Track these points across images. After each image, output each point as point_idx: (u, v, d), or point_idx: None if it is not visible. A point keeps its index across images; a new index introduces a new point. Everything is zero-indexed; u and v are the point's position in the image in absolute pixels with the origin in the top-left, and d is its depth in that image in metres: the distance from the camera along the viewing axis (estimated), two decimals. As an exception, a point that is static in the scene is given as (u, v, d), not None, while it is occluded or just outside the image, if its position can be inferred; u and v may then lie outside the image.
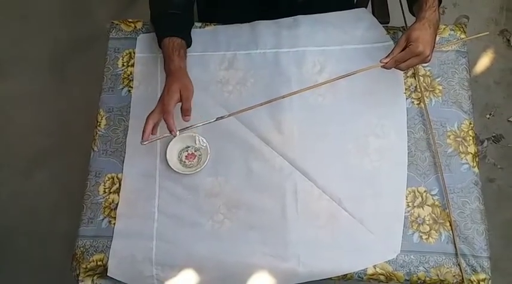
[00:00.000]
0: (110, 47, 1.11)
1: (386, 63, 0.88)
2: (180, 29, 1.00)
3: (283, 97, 0.94)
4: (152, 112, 0.90)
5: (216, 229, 0.96)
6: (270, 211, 0.96)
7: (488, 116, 1.75)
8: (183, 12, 1.01)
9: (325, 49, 1.08)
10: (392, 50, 0.88)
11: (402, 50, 0.87)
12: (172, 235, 0.95)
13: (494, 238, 1.54)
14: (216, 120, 0.92)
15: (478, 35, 1.00)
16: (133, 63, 1.09)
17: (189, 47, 1.02)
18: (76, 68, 1.91)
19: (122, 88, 1.08)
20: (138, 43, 1.11)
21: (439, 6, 0.92)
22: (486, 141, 1.72)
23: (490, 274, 0.92)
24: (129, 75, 1.08)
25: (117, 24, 1.13)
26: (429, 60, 0.89)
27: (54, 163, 1.78)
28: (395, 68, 0.89)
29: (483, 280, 0.92)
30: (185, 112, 0.92)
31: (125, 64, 1.10)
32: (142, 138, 0.89)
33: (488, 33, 1.01)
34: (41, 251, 1.68)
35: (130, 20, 1.13)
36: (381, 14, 1.16)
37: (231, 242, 0.95)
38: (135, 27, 1.13)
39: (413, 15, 0.95)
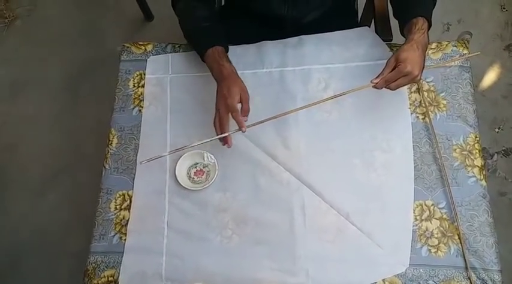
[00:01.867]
0: (121, 69, 1.15)
1: (377, 83, 0.90)
2: (219, 37, 1.04)
3: (291, 112, 0.97)
4: (219, 117, 0.94)
5: (224, 244, 0.97)
6: (278, 226, 0.97)
7: (497, 130, 1.74)
8: (213, 23, 1.06)
9: (330, 67, 1.10)
10: (383, 71, 0.90)
11: (392, 70, 0.89)
12: (182, 251, 0.97)
13: (507, 252, 1.53)
14: (218, 136, 0.94)
15: (471, 55, 1.06)
16: (144, 84, 1.13)
17: (227, 52, 1.05)
18: (88, 89, 1.96)
19: (133, 108, 1.11)
20: (148, 65, 1.15)
21: (428, 30, 0.94)
22: (496, 154, 1.71)
23: (501, 287, 0.91)
24: (139, 96, 1.12)
25: (128, 47, 1.18)
26: (418, 80, 0.91)
27: (66, 183, 1.82)
28: (385, 87, 0.91)
29: (494, 294, 0.91)
30: (245, 113, 0.95)
31: (135, 85, 1.13)
32: (227, 143, 0.96)
33: (479, 53, 1.05)
34: (52, 270, 1.69)
35: (140, 43, 1.18)
36: (384, 32, 1.19)
37: (239, 257, 0.96)
38: (145, 49, 1.17)
39: (404, 36, 0.97)
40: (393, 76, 0.89)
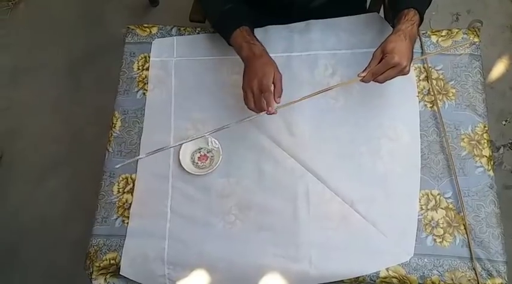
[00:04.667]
0: (126, 51, 1.14)
1: (364, 76, 0.87)
2: (244, 18, 1.01)
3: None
4: (253, 98, 0.90)
5: (227, 229, 0.96)
6: (282, 213, 0.96)
7: (504, 123, 1.72)
8: (236, 3, 1.03)
9: (337, 53, 1.09)
10: (369, 63, 0.87)
11: (379, 62, 0.86)
12: (185, 235, 0.96)
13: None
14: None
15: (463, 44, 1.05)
16: (148, 67, 1.12)
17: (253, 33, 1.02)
18: (89, 76, 1.94)
19: (137, 91, 1.10)
20: (153, 47, 1.13)
21: (419, 24, 0.91)
22: (502, 147, 1.69)
23: (506, 278, 0.90)
24: (144, 79, 1.11)
25: (132, 29, 1.16)
26: (407, 72, 0.86)
27: (66, 171, 1.81)
28: (373, 80, 0.87)
29: (499, 285, 0.90)
30: (278, 93, 0.91)
31: (140, 68, 1.12)
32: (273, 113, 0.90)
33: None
34: (51, 258, 1.69)
35: (145, 25, 1.17)
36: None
37: (242, 243, 0.95)
38: (150, 32, 1.15)
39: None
40: (380, 69, 0.85)
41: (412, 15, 0.90)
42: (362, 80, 0.88)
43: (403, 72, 0.86)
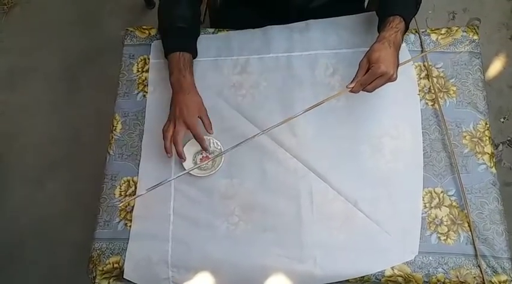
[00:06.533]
0: (125, 53, 1.13)
1: (353, 87, 0.87)
2: (190, 44, 1.02)
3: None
4: (173, 130, 0.93)
5: (231, 231, 0.96)
6: (285, 213, 0.96)
7: (502, 120, 1.73)
8: (190, 25, 1.03)
9: (338, 52, 1.08)
10: (357, 73, 0.87)
11: (366, 73, 0.86)
12: (188, 237, 0.95)
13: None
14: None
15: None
16: (148, 68, 1.11)
17: (195, 58, 1.04)
18: (87, 78, 1.94)
19: (137, 94, 1.09)
20: (153, 49, 1.12)
21: (404, 32, 0.91)
22: (501, 144, 1.70)
23: (511, 275, 0.90)
24: (143, 81, 1.10)
25: (131, 31, 1.15)
26: (395, 79, 0.86)
27: (65, 173, 1.80)
28: (362, 90, 0.87)
29: (504, 282, 0.90)
30: (208, 127, 0.97)
31: (139, 70, 1.11)
32: (167, 153, 0.95)
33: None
34: (52, 259, 1.69)
35: (144, 27, 1.16)
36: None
37: (246, 244, 0.94)
38: (150, 33, 1.15)
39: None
40: (368, 79, 0.86)
41: (397, 23, 0.90)
42: (351, 91, 0.87)
43: (391, 79, 0.86)
